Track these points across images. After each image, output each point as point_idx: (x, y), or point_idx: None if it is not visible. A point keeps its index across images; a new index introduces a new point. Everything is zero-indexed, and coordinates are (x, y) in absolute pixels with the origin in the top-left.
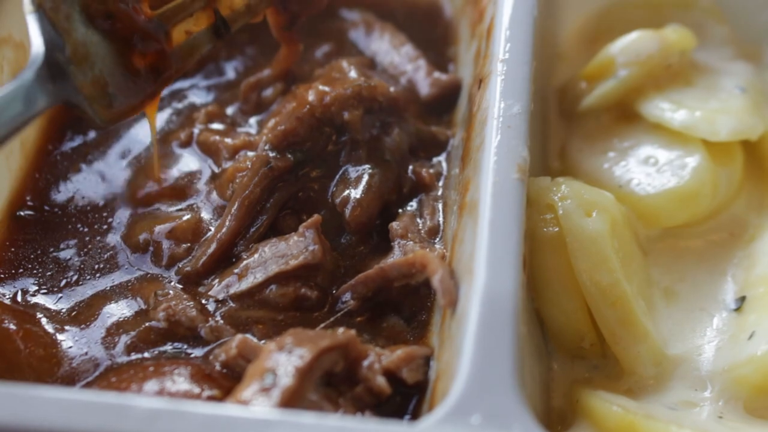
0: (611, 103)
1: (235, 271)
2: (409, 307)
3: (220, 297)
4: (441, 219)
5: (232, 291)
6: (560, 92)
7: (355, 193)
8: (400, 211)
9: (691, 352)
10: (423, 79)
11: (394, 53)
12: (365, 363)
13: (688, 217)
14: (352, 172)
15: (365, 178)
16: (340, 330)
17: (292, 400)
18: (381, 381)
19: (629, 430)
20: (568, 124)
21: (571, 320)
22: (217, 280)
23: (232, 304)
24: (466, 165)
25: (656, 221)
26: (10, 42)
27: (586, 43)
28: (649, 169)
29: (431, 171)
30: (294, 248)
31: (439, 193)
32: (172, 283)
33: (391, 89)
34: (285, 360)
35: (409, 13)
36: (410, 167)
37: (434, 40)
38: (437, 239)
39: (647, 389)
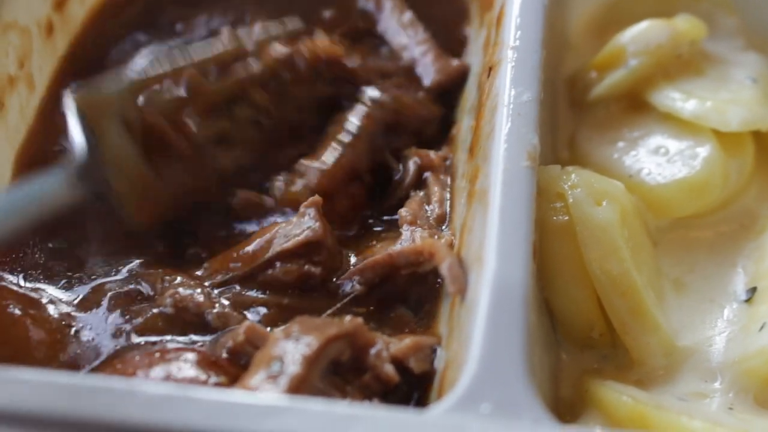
0: (621, 93)
1: (234, 255)
2: (416, 296)
3: (222, 279)
4: (448, 207)
5: (234, 273)
6: (570, 81)
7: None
8: (411, 193)
9: (701, 343)
10: (429, 64)
11: (402, 34)
12: (373, 351)
13: (699, 208)
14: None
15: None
16: (347, 318)
17: (300, 387)
18: (389, 369)
19: (639, 420)
20: (578, 114)
21: (580, 310)
22: (217, 263)
23: (236, 288)
24: (475, 153)
25: (666, 211)
26: (15, 27)
27: (596, 33)
28: (659, 159)
29: (439, 154)
30: (296, 227)
31: (447, 180)
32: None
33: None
34: (292, 348)
35: None
36: (414, 158)
37: (447, 19)
38: (445, 226)
39: (657, 380)
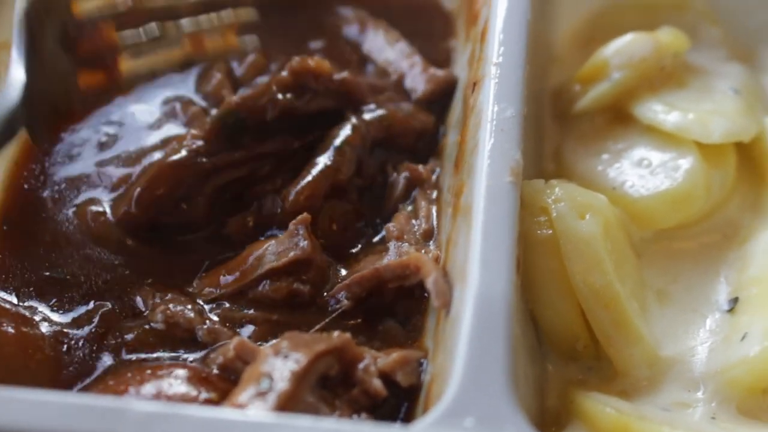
0: (605, 106)
1: (224, 271)
2: (403, 310)
3: (213, 295)
4: (435, 222)
5: (224, 290)
6: (554, 94)
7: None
8: (400, 206)
9: (684, 353)
10: (418, 75)
11: (388, 50)
12: (361, 366)
13: (682, 219)
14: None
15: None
16: (336, 333)
17: (289, 403)
18: (377, 383)
19: (623, 431)
20: (563, 126)
21: (565, 322)
22: (208, 280)
23: (225, 304)
24: (460, 168)
25: (650, 223)
26: (8, 47)
27: (580, 46)
28: (642, 171)
29: (427, 167)
30: (284, 245)
31: (434, 195)
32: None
33: (340, 75)
34: (281, 364)
35: (406, 6)
36: (405, 172)
37: (431, 33)
38: (432, 241)
39: (641, 390)
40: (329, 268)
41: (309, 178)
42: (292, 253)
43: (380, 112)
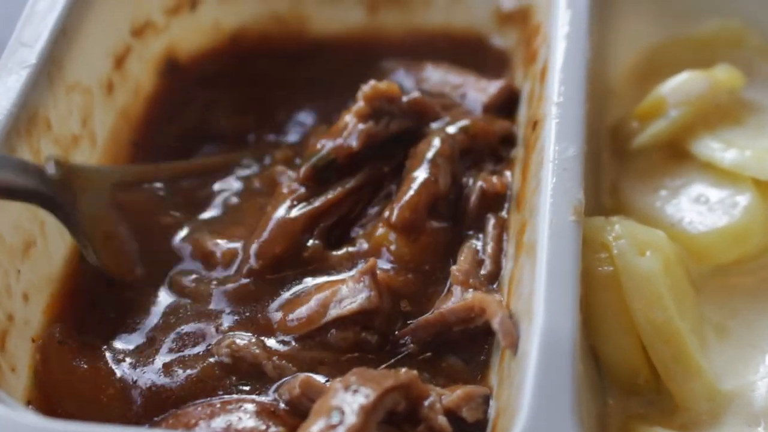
0: (663, 142)
1: (291, 311)
2: (467, 348)
3: (283, 338)
4: (504, 260)
5: (292, 334)
6: (612, 130)
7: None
8: (467, 244)
9: (744, 388)
10: (477, 87)
11: (440, 76)
12: (426, 403)
13: (739, 255)
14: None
15: (409, 183)
16: (403, 370)
17: None
18: (442, 420)
19: None
20: (620, 162)
21: (626, 357)
22: (277, 313)
23: (294, 344)
24: (522, 207)
25: (708, 259)
26: (79, 88)
27: (636, 82)
28: (700, 208)
29: (502, 180)
30: (351, 293)
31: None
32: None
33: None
34: (350, 398)
35: (453, 48)
36: (479, 182)
37: (484, 71)
38: (496, 284)
39: (701, 425)
40: (397, 314)
41: (411, 192)
42: (357, 304)
43: (462, 122)
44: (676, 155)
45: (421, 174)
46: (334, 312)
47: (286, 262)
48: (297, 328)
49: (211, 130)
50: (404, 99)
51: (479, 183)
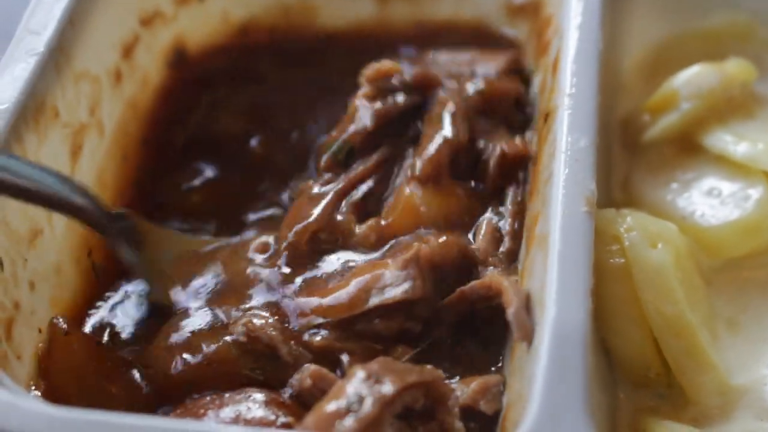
0: (674, 135)
1: (329, 294)
2: (487, 333)
3: (316, 322)
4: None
5: (329, 317)
6: (623, 124)
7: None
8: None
9: (755, 382)
10: (484, 57)
11: (448, 57)
12: (449, 404)
13: (751, 248)
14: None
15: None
16: (429, 367)
17: (369, 428)
18: (459, 426)
19: None
20: (632, 155)
21: (637, 350)
22: (312, 297)
23: (326, 333)
24: (534, 198)
25: (719, 252)
26: (87, 76)
27: (647, 75)
28: (712, 201)
29: (524, 141)
30: (395, 280)
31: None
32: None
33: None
34: (370, 387)
35: (465, 39)
36: (498, 145)
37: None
38: (516, 261)
39: (713, 419)
40: (437, 297)
41: (431, 147)
42: (401, 292)
43: (475, 83)
44: (687, 148)
45: (438, 131)
46: (376, 299)
47: (322, 238)
48: (335, 312)
49: (217, 131)
50: (408, 72)
51: (499, 146)
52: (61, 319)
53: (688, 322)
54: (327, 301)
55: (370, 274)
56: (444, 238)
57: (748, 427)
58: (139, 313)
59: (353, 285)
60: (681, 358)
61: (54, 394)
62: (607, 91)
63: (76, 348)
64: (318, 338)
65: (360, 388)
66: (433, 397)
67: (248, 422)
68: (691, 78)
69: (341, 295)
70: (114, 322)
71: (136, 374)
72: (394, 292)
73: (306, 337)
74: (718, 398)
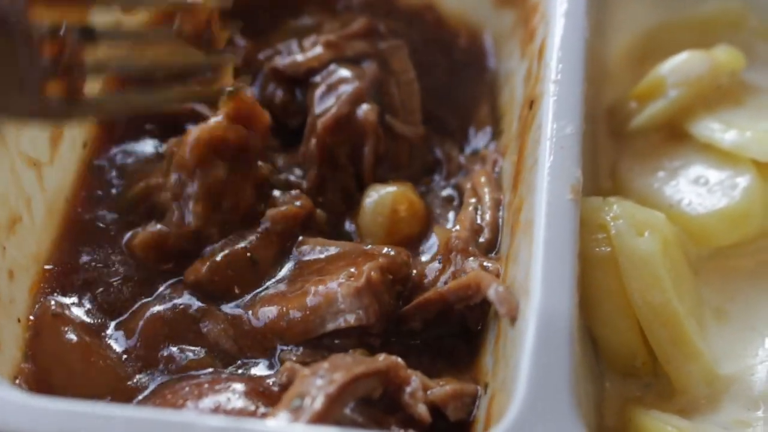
0: (661, 123)
1: (283, 316)
2: (472, 324)
3: (281, 343)
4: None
5: (288, 340)
6: (609, 112)
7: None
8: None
9: (743, 372)
10: None
11: None
12: (408, 390)
13: (739, 237)
14: None
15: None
16: (382, 356)
17: (320, 423)
18: (422, 409)
19: None
20: (618, 144)
21: (623, 339)
22: (267, 311)
23: (297, 350)
24: (518, 185)
25: (707, 241)
26: None
27: (635, 63)
28: (699, 189)
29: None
30: (348, 306)
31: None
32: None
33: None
34: (317, 385)
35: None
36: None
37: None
38: (495, 252)
39: (700, 408)
40: (394, 309)
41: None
42: (354, 319)
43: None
44: (674, 136)
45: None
46: (331, 326)
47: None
48: (292, 337)
49: None
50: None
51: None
52: (52, 302)
53: (675, 311)
54: (283, 322)
55: (323, 296)
56: (388, 250)
57: (736, 417)
58: (126, 295)
59: (308, 307)
60: (668, 347)
61: (40, 379)
62: (594, 78)
63: (63, 331)
64: (293, 357)
65: (307, 387)
66: (393, 385)
67: (228, 413)
68: (679, 65)
69: (295, 316)
70: (95, 307)
71: (123, 357)
72: (348, 319)
73: (282, 354)
74: (706, 388)
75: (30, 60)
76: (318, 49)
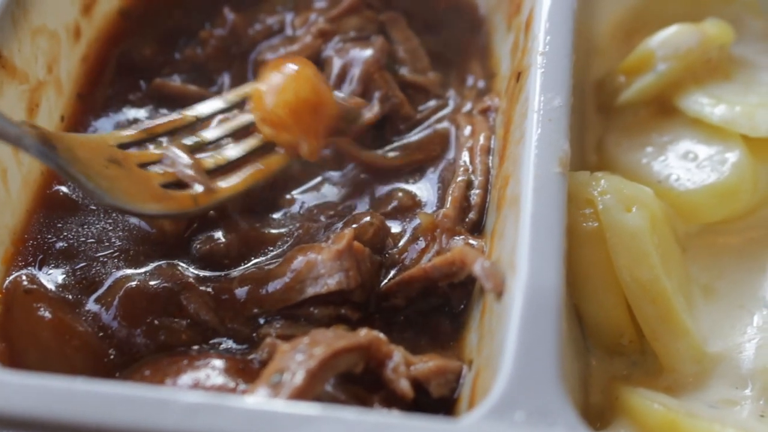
0: (650, 98)
1: (265, 284)
2: (455, 302)
3: (260, 313)
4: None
5: (271, 308)
6: (597, 86)
7: None
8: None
9: (731, 349)
10: None
11: None
12: (390, 365)
13: (728, 214)
14: None
15: None
16: (363, 331)
17: (301, 398)
18: (404, 384)
19: (671, 428)
20: (606, 118)
21: (610, 316)
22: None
23: (280, 320)
24: (504, 159)
25: (695, 217)
26: (44, 32)
27: (623, 37)
28: (688, 164)
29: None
30: (328, 270)
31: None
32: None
33: None
34: (297, 360)
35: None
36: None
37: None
38: (478, 231)
39: (687, 387)
40: (375, 280)
41: None
42: (336, 283)
43: None
44: (663, 111)
45: None
46: (311, 290)
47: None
48: (272, 304)
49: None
50: None
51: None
52: (24, 277)
53: (663, 288)
54: (263, 292)
55: (304, 262)
56: (369, 218)
57: (724, 396)
58: (102, 269)
59: (288, 274)
60: (655, 324)
61: (14, 357)
62: (582, 51)
63: (35, 307)
64: (273, 332)
65: (288, 362)
66: (375, 360)
67: (207, 389)
68: (668, 38)
69: (276, 284)
70: (71, 281)
71: (99, 334)
72: (329, 283)
73: (263, 329)
74: (693, 366)
75: None
76: (308, 39)
